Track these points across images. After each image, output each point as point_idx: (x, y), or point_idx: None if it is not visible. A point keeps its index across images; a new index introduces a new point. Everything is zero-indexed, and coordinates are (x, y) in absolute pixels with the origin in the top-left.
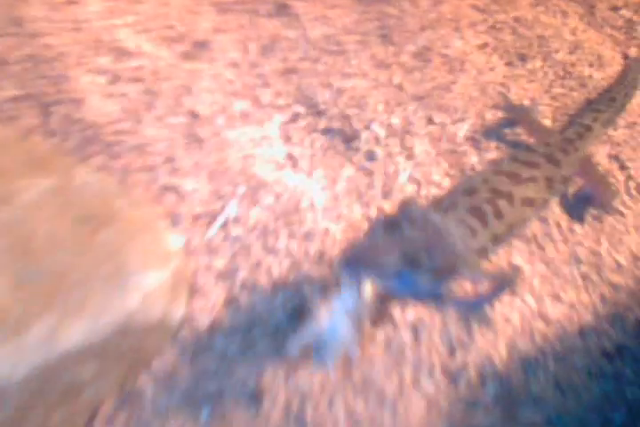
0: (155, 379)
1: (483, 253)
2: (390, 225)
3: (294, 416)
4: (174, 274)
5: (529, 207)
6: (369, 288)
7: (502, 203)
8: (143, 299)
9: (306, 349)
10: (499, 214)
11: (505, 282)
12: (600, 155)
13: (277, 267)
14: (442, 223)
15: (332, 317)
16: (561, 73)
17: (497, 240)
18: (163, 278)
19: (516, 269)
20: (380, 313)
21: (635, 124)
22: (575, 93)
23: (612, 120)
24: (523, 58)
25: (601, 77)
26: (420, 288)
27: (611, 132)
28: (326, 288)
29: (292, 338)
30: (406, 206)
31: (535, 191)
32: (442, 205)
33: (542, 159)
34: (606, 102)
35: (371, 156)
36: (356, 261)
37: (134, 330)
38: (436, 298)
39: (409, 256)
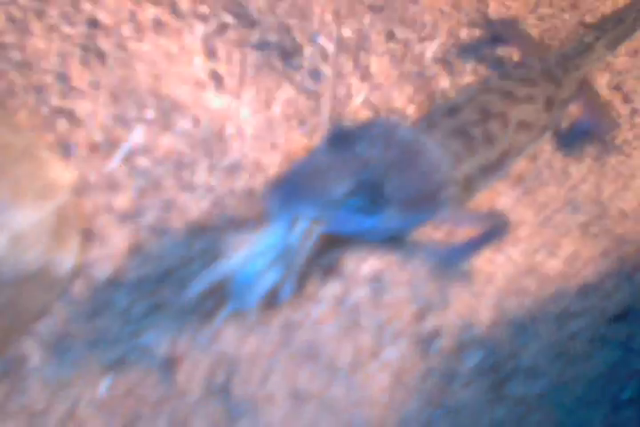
0: (41, 343)
1: (468, 186)
2: (343, 141)
3: (218, 390)
4: (59, 213)
5: (526, 133)
6: (303, 222)
7: (493, 125)
8: (12, 241)
9: (216, 295)
10: (489, 139)
11: (494, 228)
12: (599, 85)
13: (194, 207)
14: (414, 141)
15: (251, 256)
16: None
17: (486, 172)
18: (41, 218)
19: (503, 215)
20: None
21: (637, 51)
22: (566, 15)
23: (616, 43)
24: None
25: None
26: (378, 227)
27: (610, 59)
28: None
29: (196, 279)
30: (367, 121)
31: (533, 114)
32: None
33: (539, 76)
34: (612, 22)
35: (316, 75)
36: (289, 186)
37: (3, 280)
38: (401, 242)
39: (365, 182)
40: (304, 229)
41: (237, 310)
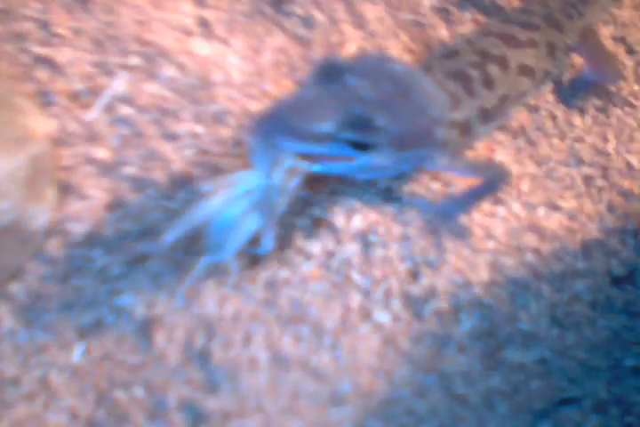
0: (14, 305)
1: (467, 130)
2: (332, 74)
3: (197, 355)
4: (34, 164)
5: (527, 78)
6: (287, 161)
7: (493, 68)
8: None
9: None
10: (489, 82)
11: (495, 179)
12: (604, 36)
13: (177, 158)
14: (408, 74)
15: (229, 200)
16: None
17: (486, 116)
18: (14, 166)
19: (498, 163)
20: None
21: None
22: None
23: None
24: None
25: None
26: (369, 165)
27: (614, 10)
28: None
29: (171, 226)
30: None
31: (535, 58)
32: None
33: (542, 21)
34: None
35: (308, 21)
36: (273, 121)
37: None
38: (395, 192)
39: (355, 116)
40: (288, 167)
41: (215, 263)
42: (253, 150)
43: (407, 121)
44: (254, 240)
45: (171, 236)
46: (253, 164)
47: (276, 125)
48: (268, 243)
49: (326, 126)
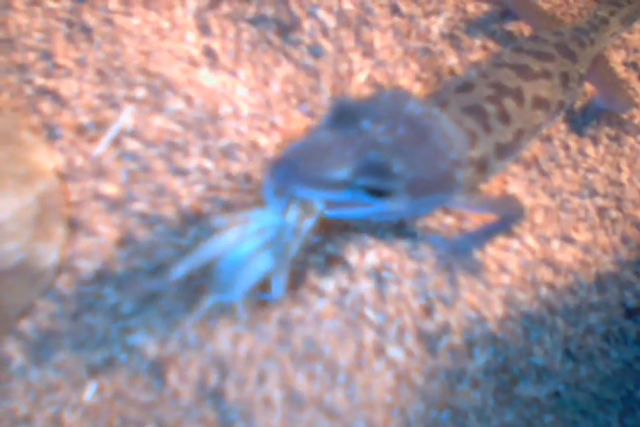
0: (25, 343)
1: (483, 167)
2: (347, 117)
3: (210, 394)
4: (42, 201)
5: (542, 110)
6: (301, 205)
7: (509, 102)
8: None
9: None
10: (505, 117)
11: (510, 216)
12: (615, 62)
13: (187, 194)
14: (425, 116)
15: (239, 239)
16: None
17: (502, 151)
18: (22, 205)
19: (514, 198)
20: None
21: None
22: None
23: (632, 18)
24: None
25: None
26: (385, 211)
27: (626, 35)
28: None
29: (180, 262)
30: (373, 95)
31: (549, 90)
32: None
33: (555, 50)
34: None
35: (316, 51)
36: (288, 166)
37: None
38: (409, 228)
39: (372, 162)
40: (302, 210)
41: (222, 302)
42: (268, 194)
43: (425, 166)
44: (264, 283)
45: (179, 271)
46: (268, 204)
47: (291, 172)
48: (278, 289)
49: (341, 174)
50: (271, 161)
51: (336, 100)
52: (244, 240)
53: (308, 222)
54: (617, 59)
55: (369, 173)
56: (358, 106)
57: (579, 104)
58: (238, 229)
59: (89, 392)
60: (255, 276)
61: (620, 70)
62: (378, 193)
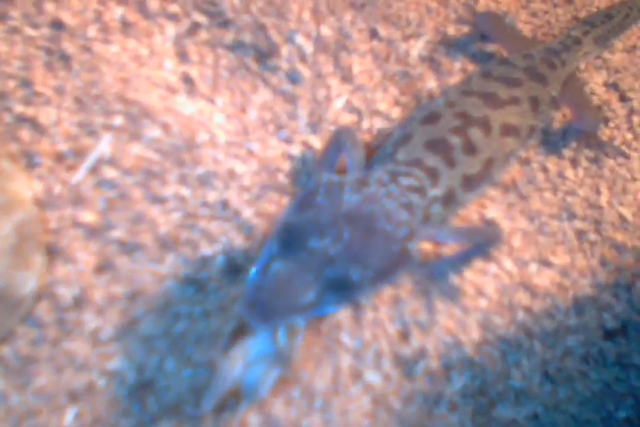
0: (5, 369)
1: (450, 201)
2: (293, 240)
3: (188, 418)
4: (21, 230)
5: (512, 138)
6: (286, 333)
7: (475, 132)
8: None
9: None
10: (470, 148)
11: (486, 242)
12: (596, 83)
13: (165, 222)
14: (364, 204)
15: (248, 366)
16: None
17: (470, 183)
18: (0, 235)
19: (496, 226)
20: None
21: (635, 47)
22: (560, 10)
23: (605, 38)
24: None
25: None
26: (354, 300)
27: (607, 55)
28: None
29: (207, 396)
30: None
31: (519, 116)
32: (390, 140)
33: (524, 75)
34: (601, 18)
35: (294, 77)
36: (261, 308)
37: None
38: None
39: (332, 279)
40: (289, 331)
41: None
42: (255, 328)
43: (380, 259)
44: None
45: (208, 404)
46: (257, 335)
47: (266, 311)
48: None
49: (310, 298)
50: (245, 304)
51: (278, 226)
52: (251, 366)
53: (297, 336)
54: (598, 79)
55: (333, 290)
56: (299, 225)
57: (557, 126)
58: (242, 357)
59: (69, 418)
60: (268, 386)
61: (601, 91)
62: (346, 299)
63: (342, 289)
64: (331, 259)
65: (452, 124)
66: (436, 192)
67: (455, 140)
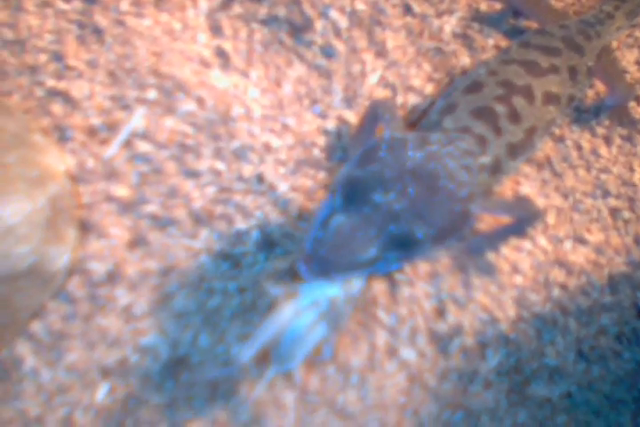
0: (37, 344)
1: (496, 170)
2: (356, 195)
3: (221, 395)
4: (54, 204)
5: (553, 106)
6: (344, 289)
7: (519, 101)
8: (2, 234)
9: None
10: (515, 117)
11: (525, 219)
12: (628, 61)
13: (199, 196)
14: (427, 161)
15: (297, 312)
16: None
17: (514, 151)
18: (33, 208)
19: (530, 201)
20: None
21: None
22: None
23: (635, 13)
24: None
25: None
26: (413, 259)
27: (638, 33)
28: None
29: (245, 345)
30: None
31: (559, 85)
32: (434, 109)
33: (562, 44)
34: None
35: (328, 51)
36: (321, 260)
37: None
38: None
39: (395, 235)
40: (346, 286)
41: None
42: (310, 281)
43: (443, 218)
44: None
45: (247, 353)
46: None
47: (325, 265)
48: (329, 351)
49: (371, 253)
50: (302, 257)
51: (342, 176)
52: (300, 314)
53: (354, 290)
54: (630, 58)
55: (396, 247)
56: (363, 179)
57: (590, 104)
58: (292, 304)
59: (101, 393)
60: (311, 345)
61: (634, 69)
62: (408, 258)
63: (405, 246)
64: (395, 215)
65: (496, 92)
66: (484, 160)
67: (500, 109)
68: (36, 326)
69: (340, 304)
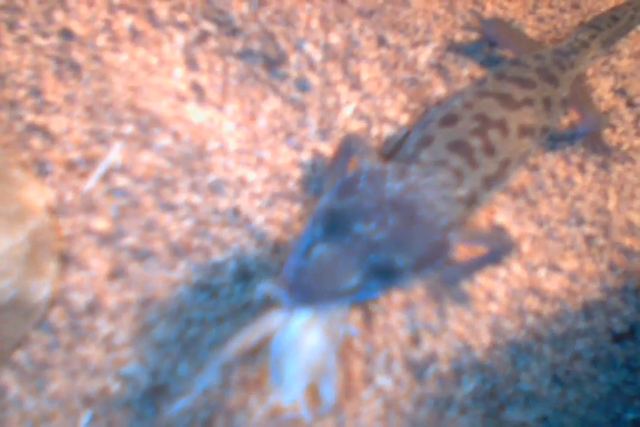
0: (20, 373)
1: (471, 203)
2: (337, 225)
3: (201, 423)
4: (34, 238)
5: (527, 138)
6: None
7: (494, 134)
8: None
9: None
10: (490, 150)
11: (499, 249)
12: (603, 88)
13: (176, 229)
14: (406, 192)
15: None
16: None
17: (489, 184)
18: (12, 245)
19: (505, 232)
20: None
21: None
22: (567, 16)
23: (611, 41)
24: None
25: None
26: (394, 287)
27: (614, 61)
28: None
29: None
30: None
31: (533, 117)
32: (410, 141)
33: (536, 75)
34: (607, 21)
35: (302, 84)
36: (301, 289)
37: None
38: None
39: (376, 264)
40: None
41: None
42: (291, 309)
43: (423, 247)
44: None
45: (230, 352)
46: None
47: (308, 294)
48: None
49: (352, 282)
50: (283, 284)
51: (322, 207)
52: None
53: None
54: (605, 85)
55: (377, 276)
56: (343, 210)
57: (565, 131)
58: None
59: (84, 421)
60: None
61: (609, 97)
62: (388, 286)
63: (386, 275)
64: (375, 244)
65: (472, 126)
66: (461, 192)
67: (476, 142)
68: (20, 356)
69: (329, 353)
